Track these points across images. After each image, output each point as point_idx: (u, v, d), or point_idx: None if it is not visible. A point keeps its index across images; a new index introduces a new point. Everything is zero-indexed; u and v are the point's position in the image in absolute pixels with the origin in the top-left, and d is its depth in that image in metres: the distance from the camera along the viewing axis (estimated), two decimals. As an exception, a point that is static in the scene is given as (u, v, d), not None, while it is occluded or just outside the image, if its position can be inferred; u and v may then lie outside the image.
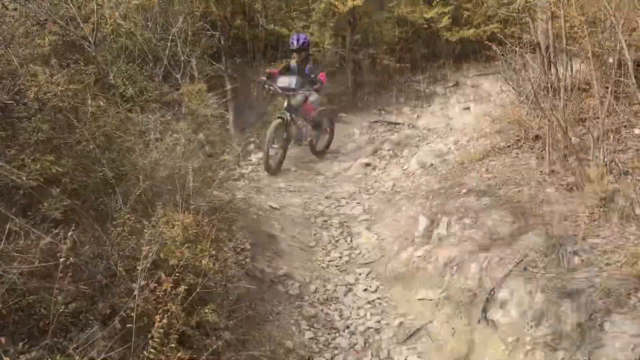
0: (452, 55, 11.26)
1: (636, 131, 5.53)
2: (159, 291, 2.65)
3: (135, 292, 2.42)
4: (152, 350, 2.36)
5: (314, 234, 5.93)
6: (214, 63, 7.85)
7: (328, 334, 4.34)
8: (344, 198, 6.64)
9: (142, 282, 2.60)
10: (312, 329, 4.37)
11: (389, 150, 8.02)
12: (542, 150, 5.85)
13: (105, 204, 3.60)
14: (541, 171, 5.53)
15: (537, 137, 6.18)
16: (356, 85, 10.59)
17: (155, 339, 2.37)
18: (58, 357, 1.97)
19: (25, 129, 3.54)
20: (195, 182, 4.48)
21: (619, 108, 5.54)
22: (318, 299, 4.76)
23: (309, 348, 4.13)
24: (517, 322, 3.72)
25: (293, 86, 7.43)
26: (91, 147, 3.56)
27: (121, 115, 4.23)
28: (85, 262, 2.94)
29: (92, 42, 4.62)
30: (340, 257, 5.49)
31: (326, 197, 6.72)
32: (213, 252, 3.22)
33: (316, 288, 4.92)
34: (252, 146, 8.05)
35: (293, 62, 7.71)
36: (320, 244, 5.74)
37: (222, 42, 8.22)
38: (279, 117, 7.28)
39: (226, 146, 5.60)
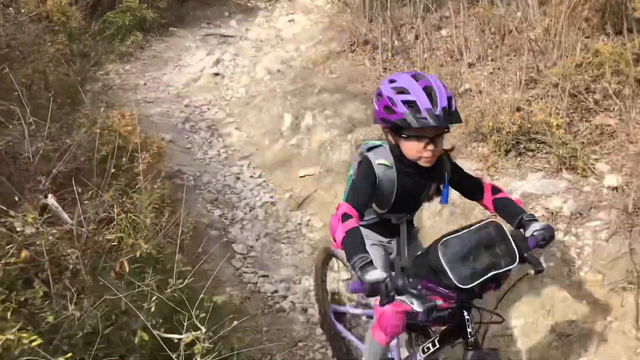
0: (269, -30, 11.87)
1: (443, 32, 6.91)
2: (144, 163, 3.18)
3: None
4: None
5: (187, 138, 6.45)
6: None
7: (232, 211, 5.09)
8: (204, 105, 7.16)
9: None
10: (217, 208, 5.07)
11: (230, 60, 8.56)
12: (372, 52, 6.99)
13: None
14: (376, 69, 6.68)
15: (366, 42, 7.30)
16: (180, -1, 10.74)
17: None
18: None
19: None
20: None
21: (430, 15, 6.84)
22: (214, 187, 5.42)
23: (222, 222, 4.85)
24: (387, 179, 4.85)
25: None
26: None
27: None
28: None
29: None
30: (218, 155, 6.13)
31: (186, 106, 7.18)
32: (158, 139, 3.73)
33: (208, 180, 5.56)
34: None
35: (389, 171, 2.38)
36: (196, 146, 6.31)
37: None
38: None
39: (101, 57, 5.73)
